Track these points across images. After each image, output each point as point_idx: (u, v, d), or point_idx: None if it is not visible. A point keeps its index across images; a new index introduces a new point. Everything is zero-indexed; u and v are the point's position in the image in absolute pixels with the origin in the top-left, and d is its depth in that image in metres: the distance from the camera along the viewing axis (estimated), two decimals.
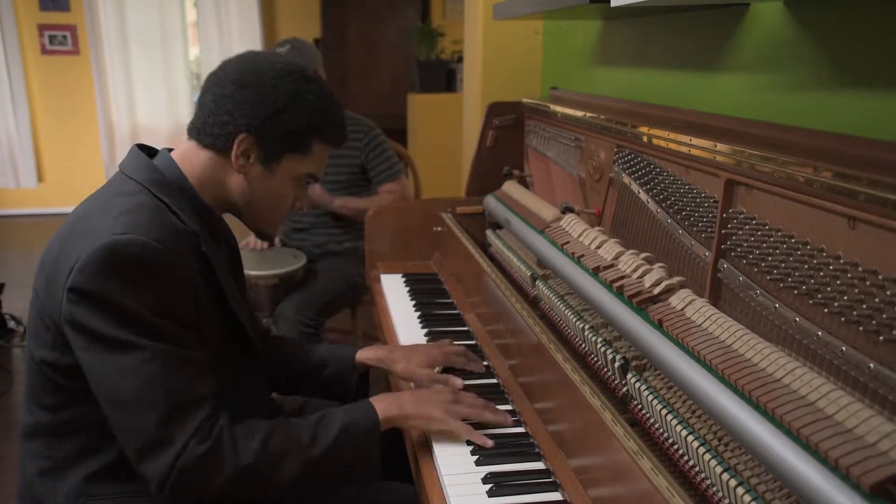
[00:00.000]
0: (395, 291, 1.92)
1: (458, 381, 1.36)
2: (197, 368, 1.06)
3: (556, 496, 1.06)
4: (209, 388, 1.06)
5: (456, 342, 1.55)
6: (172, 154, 1.20)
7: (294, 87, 1.15)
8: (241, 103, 1.14)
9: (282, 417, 1.14)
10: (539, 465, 1.14)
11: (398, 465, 1.40)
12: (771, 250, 0.95)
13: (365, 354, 1.42)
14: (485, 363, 1.49)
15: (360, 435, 1.12)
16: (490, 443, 1.16)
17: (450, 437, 1.18)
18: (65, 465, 1.14)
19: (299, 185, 1.24)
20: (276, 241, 2.69)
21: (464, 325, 1.69)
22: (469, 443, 1.19)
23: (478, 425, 1.21)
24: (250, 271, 2.41)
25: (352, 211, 2.57)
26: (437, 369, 1.40)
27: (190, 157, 1.19)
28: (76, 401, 1.10)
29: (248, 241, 2.65)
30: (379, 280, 2.01)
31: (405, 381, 1.41)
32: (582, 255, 1.29)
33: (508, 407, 1.32)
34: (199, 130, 1.18)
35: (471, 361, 1.45)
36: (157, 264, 1.03)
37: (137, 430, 1.01)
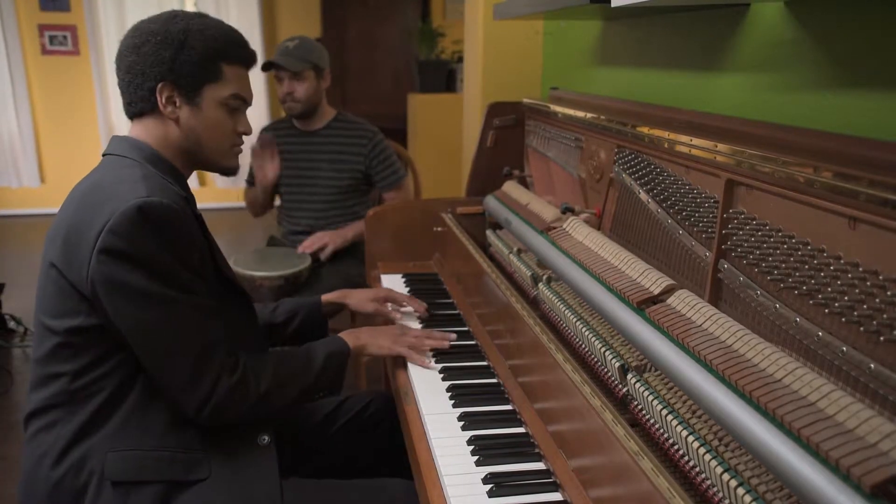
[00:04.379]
0: None
1: (396, 314, 1.72)
2: (212, 313, 1.20)
3: (557, 496, 1.07)
4: (222, 330, 1.21)
5: (456, 342, 1.56)
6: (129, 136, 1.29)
7: (183, 25, 1.25)
8: (146, 60, 1.23)
9: (276, 351, 1.36)
10: (539, 466, 1.14)
11: (398, 462, 1.41)
12: (771, 250, 0.95)
13: (328, 296, 1.70)
14: (485, 363, 1.49)
15: (337, 361, 1.38)
16: (426, 361, 1.48)
17: (400, 357, 1.49)
18: (86, 429, 1.19)
19: (232, 111, 1.31)
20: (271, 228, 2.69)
21: (464, 326, 1.69)
22: (469, 442, 1.19)
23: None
24: (255, 272, 2.40)
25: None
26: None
27: (139, 133, 1.28)
28: (97, 363, 1.18)
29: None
30: (379, 280, 2.01)
31: (356, 311, 1.75)
32: (582, 256, 1.29)
33: (509, 407, 1.32)
34: (129, 105, 1.28)
35: (412, 299, 1.75)
36: (179, 223, 1.15)
37: (178, 371, 1.16)
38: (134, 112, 1.28)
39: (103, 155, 1.29)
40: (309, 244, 2.56)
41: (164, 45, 1.23)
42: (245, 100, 1.32)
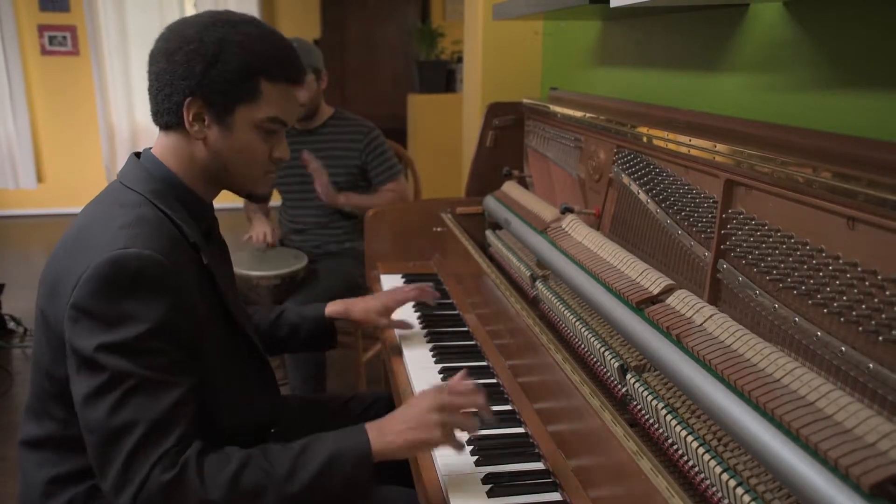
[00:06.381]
0: None
1: (409, 324, 1.59)
2: (176, 392, 1.01)
3: (556, 496, 1.07)
4: (187, 412, 1.01)
5: (456, 342, 1.55)
6: (153, 151, 1.18)
7: (220, 34, 1.09)
8: (177, 69, 1.09)
9: (262, 445, 1.06)
10: (539, 466, 1.14)
11: (399, 468, 1.40)
12: (770, 250, 0.95)
13: (333, 308, 1.56)
14: (485, 363, 1.49)
15: (348, 466, 1.04)
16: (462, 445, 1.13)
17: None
18: (75, 475, 1.12)
19: (268, 134, 1.16)
20: (276, 237, 2.70)
21: (464, 326, 1.69)
22: (469, 442, 1.19)
23: None
24: (252, 272, 2.41)
25: (356, 207, 2.58)
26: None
27: (162, 146, 1.16)
28: None
29: (250, 236, 2.65)
30: (379, 280, 2.01)
31: (364, 325, 1.60)
32: (581, 256, 1.29)
33: (508, 407, 1.32)
34: (156, 115, 1.15)
35: (425, 293, 1.61)
36: (158, 278, 1.01)
37: (111, 456, 0.97)
38: (160, 123, 1.15)
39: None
40: (314, 163, 2.49)
41: (196, 55, 1.08)
42: (284, 123, 1.17)
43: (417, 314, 1.76)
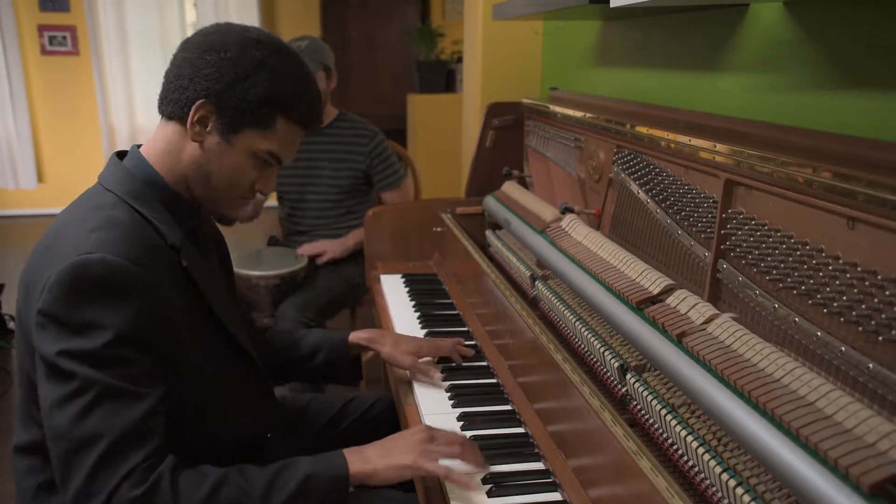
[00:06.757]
0: (394, 292, 1.92)
1: (436, 374, 1.41)
2: (145, 404, 0.97)
3: (556, 496, 1.07)
4: (158, 425, 0.98)
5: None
6: (142, 148, 1.15)
7: (261, 56, 1.09)
8: (203, 68, 1.07)
9: (238, 465, 1.03)
10: (539, 466, 1.14)
11: None
12: (770, 250, 0.95)
13: (358, 335, 1.46)
14: (485, 363, 1.49)
15: (325, 486, 1.03)
16: (472, 484, 1.08)
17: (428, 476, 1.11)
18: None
19: (261, 165, 1.14)
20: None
21: (463, 326, 1.69)
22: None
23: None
24: (252, 272, 2.41)
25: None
26: (433, 360, 1.48)
27: (155, 137, 1.14)
28: None
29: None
30: (378, 280, 2.01)
31: (390, 364, 1.46)
32: (581, 256, 1.29)
33: (508, 407, 1.32)
34: (161, 102, 1.13)
35: (458, 350, 1.51)
36: (123, 285, 0.97)
37: (74, 468, 0.94)
38: (163, 112, 1.13)
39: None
40: (309, 248, 2.57)
41: (229, 65, 1.07)
42: (280, 161, 1.15)
43: (417, 314, 1.77)
